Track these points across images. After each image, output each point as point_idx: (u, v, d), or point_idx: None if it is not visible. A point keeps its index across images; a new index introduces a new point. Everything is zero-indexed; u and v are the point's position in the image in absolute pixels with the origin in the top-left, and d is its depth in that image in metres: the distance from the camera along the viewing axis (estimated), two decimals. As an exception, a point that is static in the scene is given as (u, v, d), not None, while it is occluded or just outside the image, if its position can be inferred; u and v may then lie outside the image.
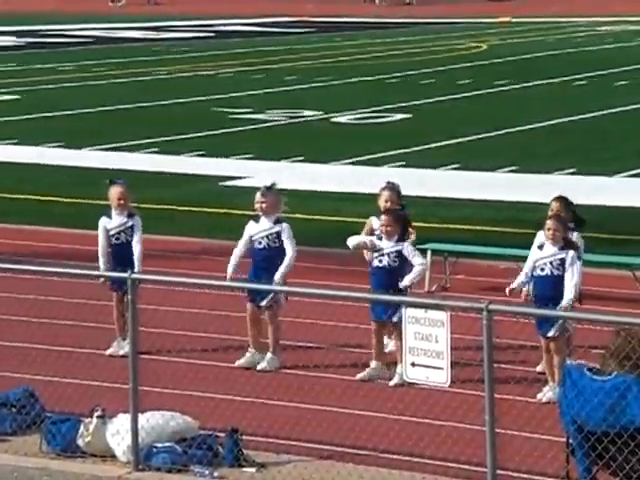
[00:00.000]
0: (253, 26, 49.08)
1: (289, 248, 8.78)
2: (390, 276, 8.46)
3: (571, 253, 8.16)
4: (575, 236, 8.64)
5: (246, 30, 47.25)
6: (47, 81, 29.22)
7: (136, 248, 9.12)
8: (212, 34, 45.63)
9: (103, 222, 9.29)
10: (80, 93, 27.08)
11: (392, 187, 9.11)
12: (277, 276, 8.71)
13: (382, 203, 9.08)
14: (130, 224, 9.23)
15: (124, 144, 19.63)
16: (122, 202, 9.22)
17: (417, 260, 8.50)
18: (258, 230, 8.86)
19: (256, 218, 8.92)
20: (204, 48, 38.58)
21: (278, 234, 8.81)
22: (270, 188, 8.95)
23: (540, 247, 8.27)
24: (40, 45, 40.29)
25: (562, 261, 8.15)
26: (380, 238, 8.60)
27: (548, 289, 8.09)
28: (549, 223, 8.23)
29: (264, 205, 8.82)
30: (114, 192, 9.29)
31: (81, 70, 31.86)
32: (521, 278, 8.27)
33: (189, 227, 13.72)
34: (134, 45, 40.59)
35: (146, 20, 51.22)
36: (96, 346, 9.21)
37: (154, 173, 17.14)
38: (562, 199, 8.81)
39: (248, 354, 8.84)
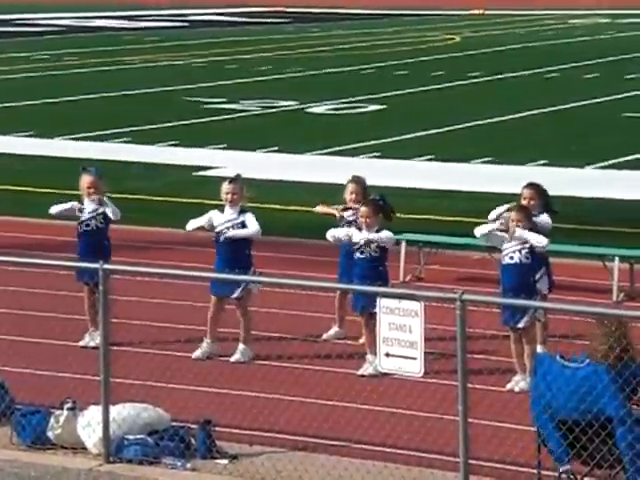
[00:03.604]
0: (227, 16, 48.88)
1: (252, 225, 8.74)
2: (373, 267, 8.44)
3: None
4: (544, 217, 8.60)
5: (220, 20, 47.06)
6: (19, 70, 28.94)
7: (113, 213, 9.08)
8: (186, 24, 45.40)
9: (72, 203, 9.20)
10: (52, 82, 26.86)
11: (357, 180, 9.18)
12: (230, 233, 8.67)
13: (347, 195, 9.19)
14: (101, 211, 9.17)
15: (96, 133, 19.48)
16: (92, 190, 9.14)
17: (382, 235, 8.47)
18: (222, 221, 8.82)
19: (220, 209, 8.89)
20: (178, 37, 38.37)
21: (243, 224, 8.80)
22: (237, 178, 8.92)
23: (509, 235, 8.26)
24: (12, 34, 39.91)
25: (531, 249, 8.16)
26: (360, 229, 8.58)
27: (517, 278, 8.10)
28: (514, 215, 8.23)
29: (235, 196, 8.79)
30: (84, 180, 9.21)
31: (53, 59, 31.59)
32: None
33: (162, 217, 13.63)
34: (107, 34, 40.32)
35: (119, 9, 50.87)
36: (67, 337, 9.13)
37: (127, 163, 17.03)
38: (534, 186, 8.79)
39: (205, 345, 8.78)
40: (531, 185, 8.79)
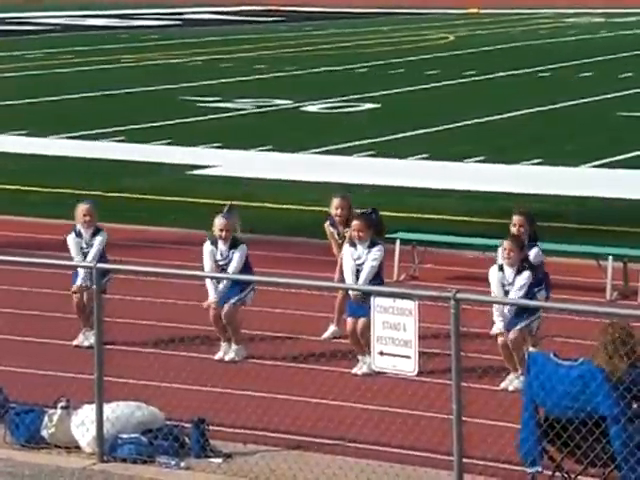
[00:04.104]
0: (221, 14, 48.86)
1: (233, 265, 8.68)
2: (369, 282, 8.39)
3: (525, 274, 8.05)
4: (534, 252, 8.56)
5: (214, 18, 47.03)
6: (13, 69, 28.89)
7: (89, 255, 8.96)
8: (179, 22, 45.37)
9: (74, 239, 9.10)
10: (46, 81, 26.82)
11: (343, 195, 9.28)
12: (221, 286, 8.65)
13: (333, 210, 9.25)
14: (93, 241, 9.07)
15: (90, 132, 19.46)
16: (87, 219, 9.10)
17: (369, 260, 8.44)
18: (219, 258, 8.77)
19: (213, 242, 8.80)
20: (172, 36, 38.34)
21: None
22: (230, 212, 8.87)
23: (500, 268, 8.16)
24: (5, 33, 39.83)
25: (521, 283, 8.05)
26: (354, 245, 8.55)
27: (512, 311, 8.01)
28: (505, 243, 8.13)
29: (227, 233, 8.71)
30: (80, 209, 9.17)
31: (47, 58, 31.54)
32: (498, 319, 8.04)
33: (156, 216, 13.62)
34: (101, 33, 40.27)
35: (113, 8, 50.83)
36: (61, 336, 9.13)
37: (121, 162, 17.01)
38: (524, 213, 8.82)
39: (223, 346, 8.81)
40: (521, 212, 8.79)
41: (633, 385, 6.09)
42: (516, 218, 8.71)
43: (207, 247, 8.84)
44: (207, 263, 8.79)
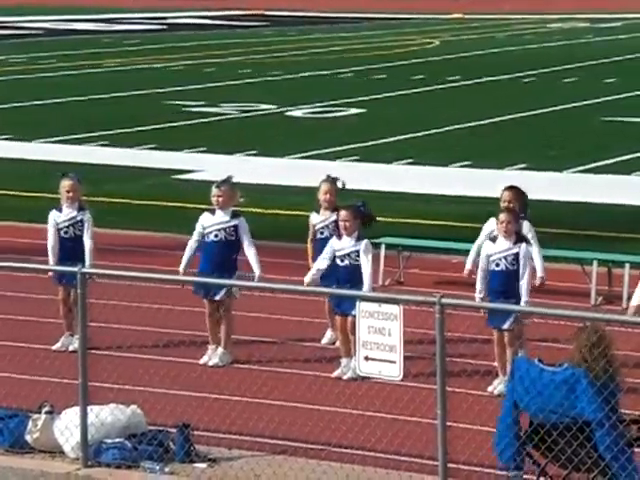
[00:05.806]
0: (206, 19, 48.83)
1: (247, 244, 8.75)
2: (352, 275, 8.41)
3: (523, 247, 8.19)
4: (526, 226, 8.65)
5: (199, 23, 47.00)
6: (-4, 73, 28.79)
7: (87, 243, 8.97)
8: (164, 27, 45.32)
9: (53, 216, 9.14)
10: (30, 85, 26.73)
11: (331, 180, 9.20)
12: (257, 272, 8.69)
13: (321, 196, 9.19)
14: (80, 218, 9.09)
15: (74, 137, 19.40)
16: (71, 195, 9.09)
17: (365, 264, 8.39)
18: (213, 222, 8.83)
19: (211, 211, 8.89)
20: (156, 41, 38.30)
21: (235, 228, 8.81)
22: (225, 181, 8.94)
23: (493, 240, 8.27)
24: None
25: (516, 256, 8.17)
26: (338, 236, 8.51)
27: (503, 284, 8.09)
28: (502, 216, 8.22)
29: (220, 199, 8.81)
30: (64, 185, 9.17)
31: (31, 62, 31.44)
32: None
33: (141, 221, 13.59)
34: (85, 37, 40.17)
35: (97, 12, 50.72)
36: (44, 341, 9.09)
37: (105, 166, 16.96)
38: (514, 188, 8.84)
39: (209, 351, 8.78)
40: (511, 188, 8.83)
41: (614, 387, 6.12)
42: (505, 194, 8.72)
43: (203, 216, 8.85)
44: (196, 232, 8.82)
